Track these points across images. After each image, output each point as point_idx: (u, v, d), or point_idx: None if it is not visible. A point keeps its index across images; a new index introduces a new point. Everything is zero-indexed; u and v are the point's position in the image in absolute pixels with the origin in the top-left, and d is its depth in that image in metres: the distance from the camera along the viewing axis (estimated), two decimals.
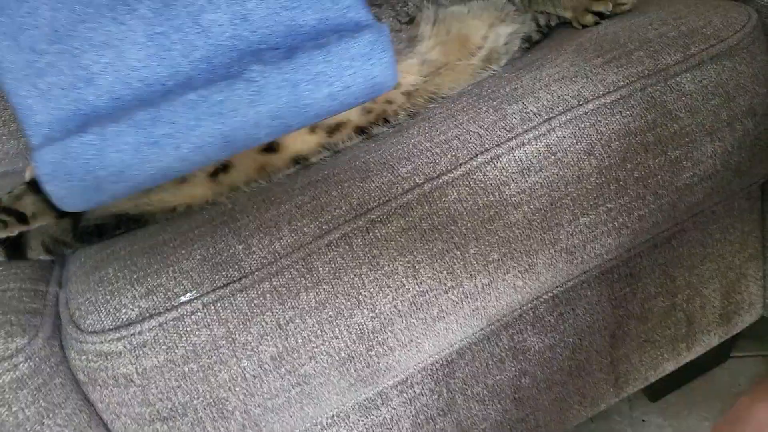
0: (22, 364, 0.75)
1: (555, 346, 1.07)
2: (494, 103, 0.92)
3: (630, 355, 1.14)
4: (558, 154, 0.87)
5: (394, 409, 1.00)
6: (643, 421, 1.32)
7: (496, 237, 0.87)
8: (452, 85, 1.01)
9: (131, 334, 0.78)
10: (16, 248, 0.93)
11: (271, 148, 0.96)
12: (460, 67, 1.02)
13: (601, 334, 1.09)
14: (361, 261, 0.83)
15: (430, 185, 0.85)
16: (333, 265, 0.82)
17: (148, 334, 0.78)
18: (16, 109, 0.84)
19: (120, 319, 0.78)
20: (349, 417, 0.98)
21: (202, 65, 0.84)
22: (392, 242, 0.84)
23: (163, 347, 0.78)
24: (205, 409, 0.81)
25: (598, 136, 0.88)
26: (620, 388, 1.17)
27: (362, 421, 0.99)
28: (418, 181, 0.86)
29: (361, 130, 1.00)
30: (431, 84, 1.01)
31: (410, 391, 1.00)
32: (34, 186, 0.92)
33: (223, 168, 0.95)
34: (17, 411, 0.75)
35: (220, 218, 0.88)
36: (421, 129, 0.93)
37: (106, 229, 0.94)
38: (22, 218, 0.90)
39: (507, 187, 0.86)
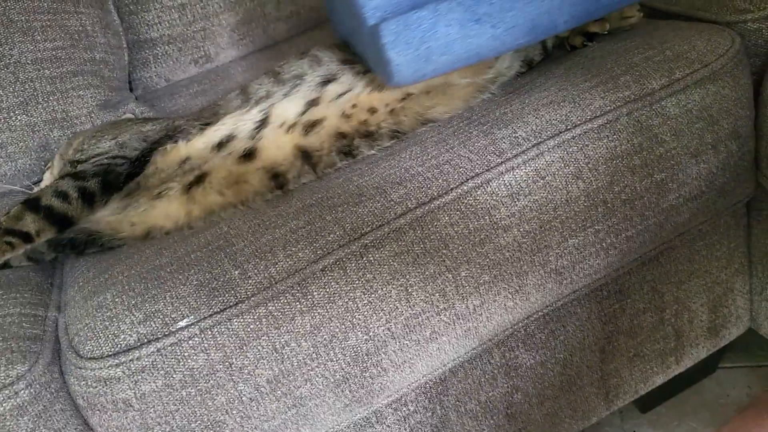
0: (22, 392, 0.77)
1: (546, 363, 1.08)
2: (484, 127, 0.94)
3: (620, 369, 1.16)
4: (547, 178, 0.89)
5: (388, 427, 1.02)
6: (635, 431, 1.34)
7: (487, 260, 0.89)
8: (442, 109, 1.02)
9: (130, 360, 0.79)
10: None
11: (248, 155, 0.98)
12: (456, 89, 1.03)
13: (591, 350, 1.11)
14: (355, 285, 0.85)
15: (422, 210, 0.87)
16: (327, 290, 0.84)
17: (146, 359, 0.79)
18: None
19: (118, 345, 0.80)
20: None
21: None
22: (385, 266, 0.85)
23: (161, 372, 0.80)
24: None
25: (586, 160, 0.90)
26: (611, 402, 1.19)
27: None
28: (410, 205, 0.87)
29: (341, 136, 1.00)
30: (418, 104, 1.02)
31: (404, 409, 1.02)
32: (29, 204, 0.94)
33: (197, 180, 0.97)
34: None
35: (216, 242, 0.90)
36: (413, 153, 0.95)
37: (77, 243, 0.96)
38: (27, 238, 0.92)
39: (497, 211, 0.88)
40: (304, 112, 1.01)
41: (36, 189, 1.07)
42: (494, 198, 0.88)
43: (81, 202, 0.96)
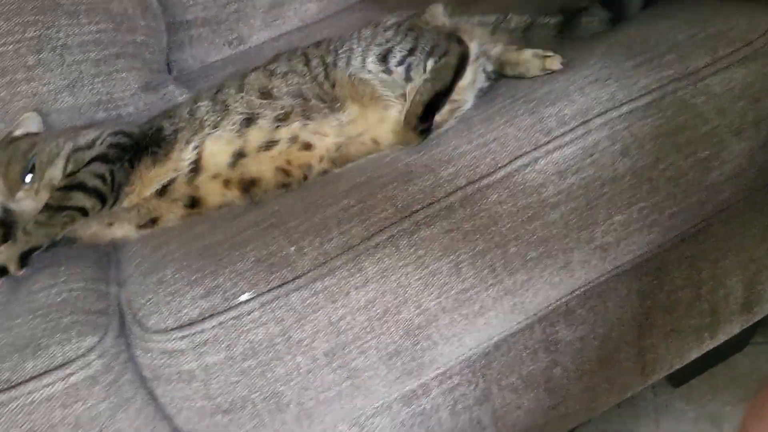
0: (95, 362, 0.80)
1: (585, 338, 1.11)
2: (530, 105, 0.96)
3: (656, 344, 1.18)
4: (594, 155, 0.91)
5: (433, 399, 1.05)
6: (667, 406, 1.37)
7: (535, 236, 0.91)
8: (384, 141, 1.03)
9: (193, 333, 0.82)
10: None
11: (194, 204, 1.03)
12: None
13: (629, 326, 1.14)
14: (407, 261, 0.87)
15: (471, 188, 0.89)
16: (381, 265, 0.86)
17: (209, 332, 0.82)
18: None
19: (182, 319, 0.83)
20: (392, 407, 1.02)
21: None
22: (436, 242, 0.88)
23: (224, 345, 0.83)
24: (262, 402, 0.86)
25: (632, 138, 0.92)
26: (647, 376, 1.22)
27: (404, 410, 1.03)
28: (459, 183, 0.89)
29: (282, 185, 1.03)
30: (358, 149, 1.03)
31: (449, 381, 1.05)
32: (73, 186, 0.98)
33: (152, 221, 1.03)
34: (92, 406, 0.79)
35: (269, 221, 0.92)
36: (459, 131, 0.97)
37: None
38: (84, 211, 0.97)
39: (545, 189, 0.90)
40: (234, 164, 1.03)
41: None
42: (542, 176, 0.90)
43: (111, 183, 1.01)
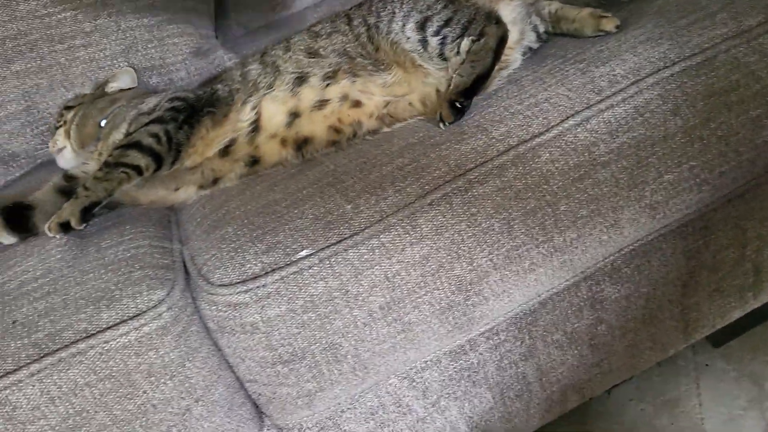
0: (165, 313, 0.84)
1: (630, 296, 1.12)
2: (581, 65, 0.97)
3: (700, 303, 1.19)
4: (645, 115, 0.92)
5: (480, 354, 1.08)
6: (707, 365, 1.38)
7: (585, 195, 0.92)
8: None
9: (256, 287, 0.86)
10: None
11: (254, 162, 1.06)
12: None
13: (674, 284, 1.15)
14: (460, 218, 0.89)
15: (523, 147, 0.91)
16: (435, 223, 0.89)
17: (271, 286, 0.86)
18: None
19: (245, 273, 0.86)
20: (441, 361, 1.06)
21: None
22: (489, 200, 0.90)
23: (285, 298, 0.86)
24: (321, 353, 0.90)
25: (684, 97, 0.92)
26: (689, 335, 1.23)
27: (452, 365, 1.07)
28: (512, 143, 0.91)
29: (332, 143, 1.06)
30: (403, 109, 1.06)
31: (496, 338, 1.07)
32: (130, 145, 1.02)
33: (213, 182, 1.06)
34: (163, 355, 0.84)
35: (325, 179, 0.95)
36: (510, 92, 0.98)
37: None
38: (139, 170, 1.01)
39: (596, 148, 0.91)
40: (290, 123, 1.06)
41: None
42: (594, 135, 0.91)
43: (167, 143, 1.04)
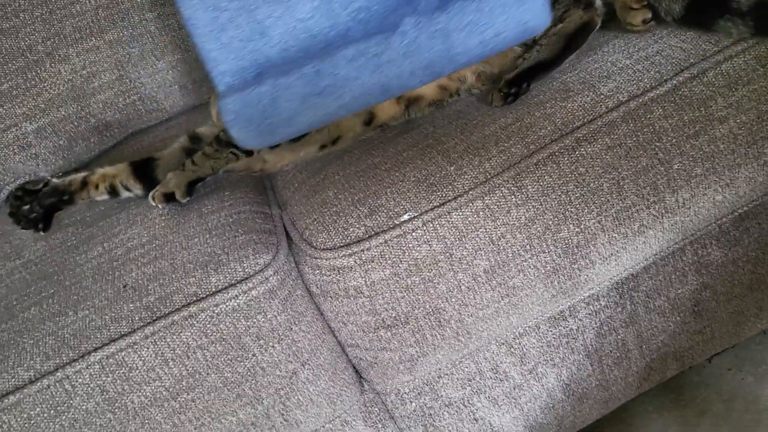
0: (271, 277, 0.84)
1: (738, 260, 1.07)
2: None
3: None
4: (767, 65, 0.86)
5: (580, 320, 1.05)
6: None
7: (701, 152, 0.88)
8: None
9: (360, 251, 0.85)
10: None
11: (369, 121, 1.03)
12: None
13: None
14: (567, 179, 0.86)
15: (635, 102, 0.87)
16: (541, 183, 0.86)
17: (375, 250, 0.85)
18: (204, 61, 0.94)
19: (349, 237, 0.86)
20: (540, 327, 1.03)
21: (360, 15, 0.91)
22: (598, 160, 0.86)
23: (389, 262, 0.85)
24: (425, 317, 0.88)
25: None
26: None
27: (551, 331, 1.04)
28: (622, 99, 0.87)
29: (435, 103, 1.02)
30: (503, 66, 1.01)
31: (596, 303, 1.04)
32: None
33: (333, 141, 1.04)
34: (271, 318, 0.84)
35: (425, 141, 0.93)
36: (616, 46, 0.94)
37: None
38: (249, 152, 1.01)
39: (713, 102, 0.86)
40: None
41: None
42: (710, 89, 0.86)
43: None
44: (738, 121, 0.87)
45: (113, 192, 1.09)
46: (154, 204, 0.97)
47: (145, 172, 1.08)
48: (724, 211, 0.95)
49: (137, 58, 1.20)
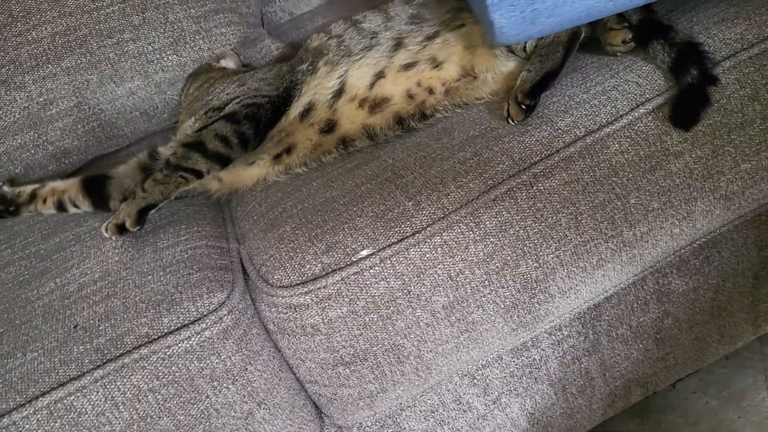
0: (226, 317, 0.83)
1: (699, 288, 1.08)
2: None
3: None
4: (722, 101, 0.87)
5: (543, 350, 1.05)
6: None
7: (657, 186, 0.88)
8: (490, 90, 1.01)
9: (317, 288, 0.84)
10: None
11: (329, 128, 1.03)
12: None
13: (744, 275, 1.10)
14: (525, 214, 0.86)
15: (591, 138, 0.87)
16: (499, 219, 0.85)
17: (332, 287, 0.84)
18: None
19: (305, 275, 0.84)
20: (502, 358, 1.03)
21: None
22: (555, 195, 0.86)
23: (346, 299, 0.84)
24: (384, 354, 0.87)
25: (764, 81, 0.87)
26: (758, 327, 1.18)
27: (514, 361, 1.04)
28: (579, 134, 0.87)
29: (399, 118, 1.01)
30: (471, 87, 1.01)
31: (559, 333, 1.04)
32: (194, 146, 0.99)
33: (287, 150, 1.03)
34: (225, 358, 0.82)
35: (383, 175, 0.92)
36: (574, 80, 0.94)
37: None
38: (199, 174, 0.98)
39: (669, 137, 0.87)
40: (372, 84, 1.03)
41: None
42: (665, 124, 0.87)
43: (239, 146, 1.01)
44: (693, 155, 0.87)
45: (61, 207, 1.09)
46: (107, 235, 0.95)
47: (96, 187, 1.07)
48: (682, 243, 0.96)
49: (96, 85, 1.18)
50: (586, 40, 0.99)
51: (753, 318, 1.16)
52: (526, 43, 0.97)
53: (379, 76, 1.03)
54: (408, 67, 1.02)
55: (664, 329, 1.10)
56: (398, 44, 1.05)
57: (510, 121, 0.91)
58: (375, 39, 1.07)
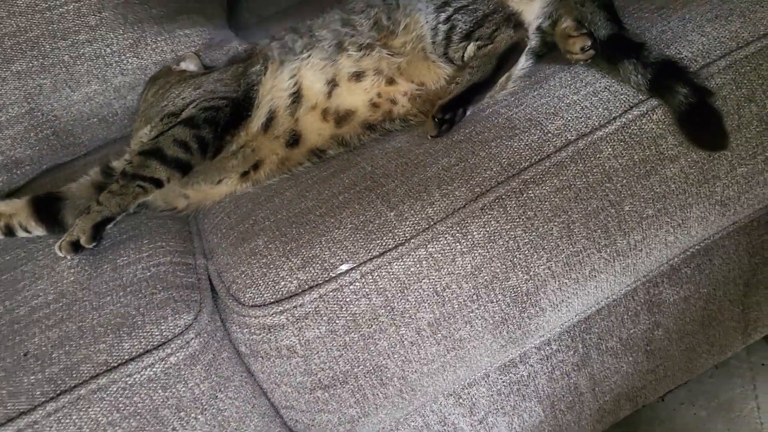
0: (193, 341, 0.76)
1: (690, 298, 1.04)
2: None
3: (761, 302, 1.11)
4: (717, 102, 0.82)
5: (531, 366, 1.00)
6: (763, 365, 1.30)
7: (652, 192, 0.83)
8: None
9: (293, 307, 0.77)
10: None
11: (294, 142, 0.98)
12: None
13: (735, 283, 1.06)
14: (515, 223, 0.80)
15: (583, 142, 0.82)
16: (488, 229, 0.80)
17: (309, 306, 0.77)
18: None
19: (280, 292, 0.78)
20: (489, 376, 0.98)
21: None
22: (546, 203, 0.81)
23: (325, 318, 0.78)
24: (365, 376, 0.81)
25: (760, 81, 0.83)
26: (748, 336, 1.15)
27: (501, 379, 0.98)
28: (570, 137, 0.82)
29: (369, 125, 0.98)
30: (433, 95, 0.97)
31: (547, 348, 0.99)
32: (152, 153, 0.93)
33: (254, 167, 0.99)
34: (193, 387, 0.75)
35: (362, 183, 0.86)
36: (563, 80, 0.89)
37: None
38: (159, 183, 0.92)
39: (664, 140, 0.82)
40: (329, 93, 0.99)
41: None
42: (660, 126, 0.82)
43: (199, 151, 0.95)
44: (689, 159, 0.83)
45: (9, 233, 1.00)
46: (61, 254, 0.87)
47: (49, 211, 0.99)
48: (676, 251, 0.92)
49: (49, 90, 1.10)
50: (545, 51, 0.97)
51: (743, 327, 1.13)
52: (464, 52, 0.94)
53: (333, 84, 0.98)
54: (359, 77, 0.98)
55: (655, 341, 1.06)
56: (339, 45, 1.00)
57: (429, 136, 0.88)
58: (314, 38, 1.03)
